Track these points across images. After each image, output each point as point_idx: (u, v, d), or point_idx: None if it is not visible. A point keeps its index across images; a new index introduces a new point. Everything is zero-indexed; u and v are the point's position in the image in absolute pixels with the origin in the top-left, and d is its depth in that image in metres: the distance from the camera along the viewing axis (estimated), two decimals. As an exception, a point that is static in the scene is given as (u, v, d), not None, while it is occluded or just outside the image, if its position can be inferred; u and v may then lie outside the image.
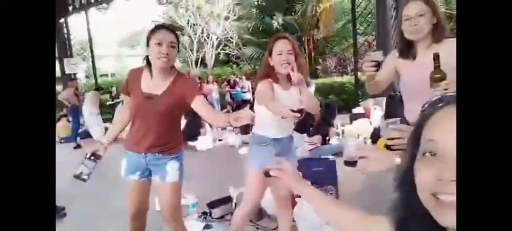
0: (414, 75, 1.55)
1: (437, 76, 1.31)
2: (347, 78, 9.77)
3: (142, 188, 1.82)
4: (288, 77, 1.82)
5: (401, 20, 1.58)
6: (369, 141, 4.82)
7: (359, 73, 7.62)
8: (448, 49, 1.49)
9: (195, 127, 5.73)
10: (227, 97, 10.31)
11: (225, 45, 15.58)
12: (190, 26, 15.57)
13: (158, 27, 1.72)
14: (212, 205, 2.82)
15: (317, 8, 12.08)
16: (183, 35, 14.64)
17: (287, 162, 1.03)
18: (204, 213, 2.82)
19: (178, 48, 1.73)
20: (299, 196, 2.58)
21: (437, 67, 1.31)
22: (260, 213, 2.67)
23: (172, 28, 1.76)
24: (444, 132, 0.51)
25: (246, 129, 1.15)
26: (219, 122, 1.75)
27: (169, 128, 1.74)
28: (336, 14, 12.32)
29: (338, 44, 12.50)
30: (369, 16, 7.51)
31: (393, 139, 1.25)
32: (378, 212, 0.73)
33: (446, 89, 1.26)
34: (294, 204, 2.45)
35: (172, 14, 16.33)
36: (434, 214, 0.52)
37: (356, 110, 6.79)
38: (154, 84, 1.71)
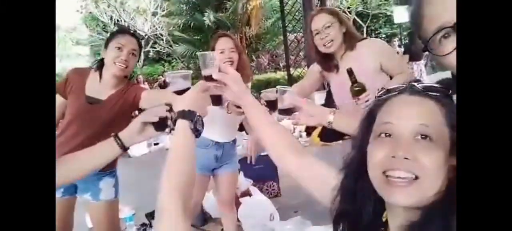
0: (340, 87, 1.53)
1: (356, 89, 1.31)
2: (281, 74, 10.14)
3: (66, 207, 1.61)
4: None
5: (312, 36, 1.57)
6: (304, 133, 5.07)
7: (291, 69, 7.94)
8: (364, 53, 1.54)
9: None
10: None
11: (155, 42, 14.83)
12: (114, 23, 14.44)
13: (121, 31, 1.58)
14: (152, 215, 2.66)
15: (247, 5, 12.23)
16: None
17: (232, 69, 0.92)
18: (143, 224, 2.66)
19: (138, 58, 1.59)
20: (243, 196, 2.59)
21: (354, 81, 1.32)
22: (204, 218, 2.61)
23: (136, 35, 1.61)
24: (399, 116, 0.56)
25: (218, 100, 1.02)
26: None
27: None
28: (266, 11, 12.62)
29: (270, 41, 12.84)
30: (297, 13, 7.87)
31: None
32: (319, 204, 0.74)
33: (367, 101, 1.25)
34: (238, 204, 2.45)
35: (92, 9, 14.94)
36: (383, 192, 0.55)
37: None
38: (101, 89, 1.53)
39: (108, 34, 1.61)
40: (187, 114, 0.78)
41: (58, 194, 1.56)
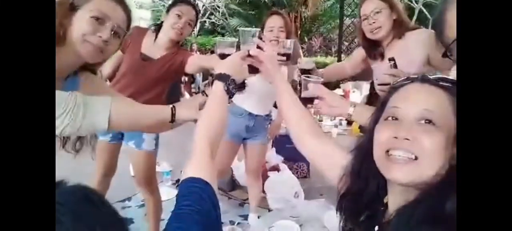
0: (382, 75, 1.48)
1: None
2: (330, 59, 9.84)
3: (113, 150, 1.83)
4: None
5: (361, 21, 1.53)
6: (344, 122, 4.98)
7: (342, 55, 7.69)
8: (412, 43, 1.47)
9: (174, 93, 5.67)
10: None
11: (211, 13, 15.15)
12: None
13: (183, 1, 1.71)
14: (187, 173, 2.88)
15: (307, -16, 11.88)
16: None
17: (269, 48, 1.00)
18: (178, 180, 2.88)
19: (193, 28, 1.74)
20: (272, 170, 2.69)
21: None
22: (232, 184, 2.76)
23: (196, 7, 1.76)
24: (406, 101, 0.59)
25: (254, 69, 1.06)
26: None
27: (156, 95, 1.73)
28: (325, -7, 12.17)
29: (325, 24, 12.43)
30: (357, -2, 7.51)
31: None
32: None
33: None
34: (266, 177, 2.55)
35: (157, -24, 15.58)
36: (383, 170, 0.59)
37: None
38: (154, 49, 1.70)
39: (171, 1, 1.74)
40: (223, 77, 0.87)
41: (107, 139, 1.79)
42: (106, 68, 1.82)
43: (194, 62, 1.69)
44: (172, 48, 1.70)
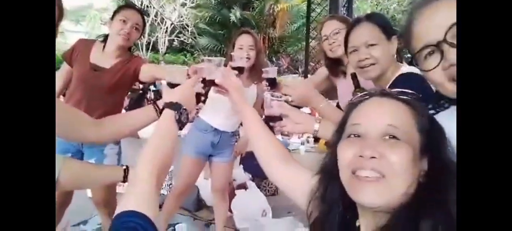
0: (345, 91, 1.54)
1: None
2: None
3: None
4: (249, 74, 1.82)
5: (322, 41, 1.62)
6: (311, 139, 5.07)
7: (309, 75, 7.92)
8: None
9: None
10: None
11: (180, 32, 15.09)
12: (143, 8, 14.79)
13: (127, 6, 1.70)
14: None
15: (275, 7, 12.27)
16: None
17: (234, 75, 0.99)
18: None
19: (141, 33, 1.70)
20: (239, 188, 2.64)
21: (356, 86, 1.32)
22: (199, 204, 2.67)
23: (141, 11, 1.74)
24: (368, 117, 0.57)
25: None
26: (178, 76, 1.46)
27: (113, 105, 1.65)
28: (292, 15, 12.62)
29: (292, 45, 12.83)
30: (322, 21, 7.82)
31: (274, 116, 1.15)
32: None
33: None
34: (232, 195, 2.49)
35: (124, -8, 15.35)
36: (352, 192, 0.55)
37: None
38: (104, 58, 1.63)
39: (115, 8, 1.72)
40: (174, 106, 0.84)
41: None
42: (57, 85, 1.72)
43: (148, 70, 1.65)
44: (122, 56, 1.65)
